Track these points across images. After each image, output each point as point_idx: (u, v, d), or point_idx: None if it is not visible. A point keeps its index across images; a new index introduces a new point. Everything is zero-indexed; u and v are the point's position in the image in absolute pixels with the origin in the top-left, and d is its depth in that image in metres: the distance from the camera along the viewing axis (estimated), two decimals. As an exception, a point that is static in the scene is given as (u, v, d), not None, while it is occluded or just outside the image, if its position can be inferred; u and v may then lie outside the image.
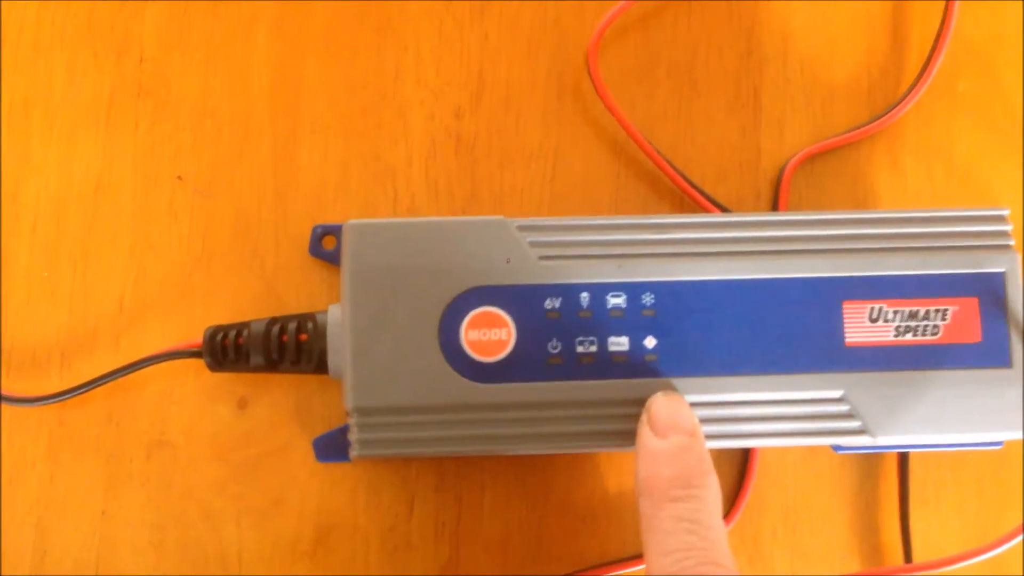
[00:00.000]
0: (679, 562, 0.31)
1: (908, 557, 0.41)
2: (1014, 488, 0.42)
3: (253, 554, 0.41)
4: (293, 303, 0.42)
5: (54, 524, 0.41)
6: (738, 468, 0.42)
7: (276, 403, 0.41)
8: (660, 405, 0.35)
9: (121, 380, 0.40)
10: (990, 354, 0.37)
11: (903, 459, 0.41)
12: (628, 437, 0.36)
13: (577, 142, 0.44)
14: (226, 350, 0.39)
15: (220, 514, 0.41)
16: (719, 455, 0.42)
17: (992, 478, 0.42)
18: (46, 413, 0.41)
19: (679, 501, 0.33)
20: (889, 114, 0.43)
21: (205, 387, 0.41)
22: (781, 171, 0.43)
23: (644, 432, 0.35)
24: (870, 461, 0.42)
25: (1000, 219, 0.38)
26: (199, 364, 0.40)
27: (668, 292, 0.37)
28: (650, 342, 0.37)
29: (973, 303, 0.37)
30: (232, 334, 0.39)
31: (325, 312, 0.38)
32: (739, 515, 0.41)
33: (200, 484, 0.41)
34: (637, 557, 0.41)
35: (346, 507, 0.41)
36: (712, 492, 0.33)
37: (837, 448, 0.38)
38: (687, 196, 0.43)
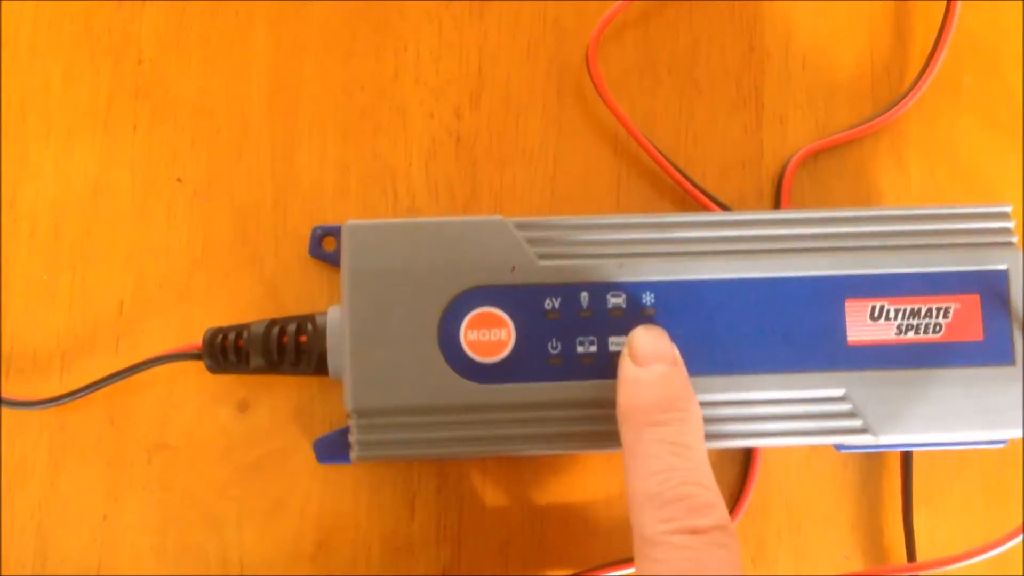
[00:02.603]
0: (662, 483, 0.31)
1: (911, 557, 0.41)
2: (1018, 488, 0.42)
3: (255, 557, 0.40)
4: (293, 305, 0.42)
5: (55, 528, 0.40)
6: (741, 468, 0.41)
7: (276, 406, 0.41)
8: (641, 337, 0.35)
9: (121, 383, 0.40)
10: (992, 352, 0.37)
11: (906, 458, 0.41)
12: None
13: (578, 141, 0.44)
14: (226, 352, 0.39)
15: (221, 517, 0.41)
16: (721, 456, 0.41)
17: (996, 478, 0.42)
18: (47, 417, 0.41)
19: (662, 424, 0.32)
20: (892, 111, 0.43)
21: (205, 390, 0.41)
22: (783, 169, 0.43)
23: (625, 364, 0.34)
24: (873, 461, 0.42)
25: (1003, 215, 0.37)
26: (199, 367, 0.39)
27: (668, 291, 0.37)
28: (651, 342, 0.36)
29: (975, 301, 0.37)
30: (232, 336, 0.39)
31: (325, 313, 0.38)
32: (742, 515, 0.41)
33: (201, 487, 0.41)
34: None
35: (347, 509, 0.41)
36: (695, 416, 0.33)
37: (840, 447, 0.38)
38: (689, 195, 0.42)
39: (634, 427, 0.33)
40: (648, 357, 0.34)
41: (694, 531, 0.30)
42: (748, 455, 0.41)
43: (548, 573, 0.41)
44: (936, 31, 0.43)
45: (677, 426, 0.32)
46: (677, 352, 0.35)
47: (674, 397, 0.33)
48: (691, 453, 0.32)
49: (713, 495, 0.31)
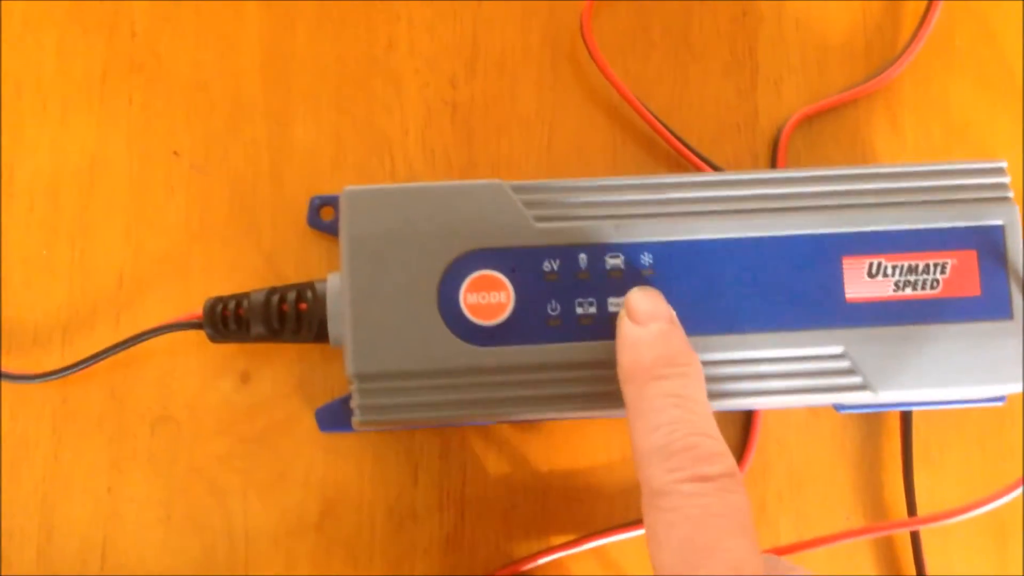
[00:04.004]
0: (668, 435, 0.31)
1: (912, 515, 0.41)
2: (1018, 446, 0.42)
3: (259, 527, 0.41)
4: (292, 275, 0.42)
5: (60, 502, 0.41)
6: (742, 432, 0.42)
7: (279, 376, 0.41)
8: (638, 297, 0.35)
9: (123, 356, 0.40)
10: (990, 306, 0.37)
11: (905, 419, 0.41)
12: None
13: (573, 108, 0.44)
14: (226, 320, 0.39)
15: (225, 488, 0.41)
16: (722, 419, 0.41)
17: (995, 436, 0.42)
18: (49, 391, 0.41)
19: (664, 379, 0.33)
20: (886, 72, 0.43)
21: (207, 362, 0.41)
22: (779, 132, 0.43)
23: (624, 323, 0.35)
24: (873, 422, 0.42)
25: (999, 171, 0.38)
26: (200, 340, 0.39)
27: (666, 252, 0.37)
28: (649, 302, 0.36)
29: (972, 256, 0.37)
30: (232, 304, 0.39)
31: (324, 281, 0.38)
32: (743, 478, 0.41)
33: (205, 458, 0.41)
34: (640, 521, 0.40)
35: (351, 478, 0.41)
36: (696, 370, 0.33)
37: (840, 408, 0.38)
38: (684, 159, 0.42)
39: (637, 384, 0.33)
40: (646, 316, 0.34)
41: (703, 478, 0.30)
42: (748, 418, 0.42)
43: (551, 538, 0.41)
44: (929, -8, 0.44)
45: (679, 380, 0.33)
46: (673, 311, 0.35)
47: (675, 352, 0.33)
48: (695, 405, 0.32)
49: (719, 444, 0.31)
